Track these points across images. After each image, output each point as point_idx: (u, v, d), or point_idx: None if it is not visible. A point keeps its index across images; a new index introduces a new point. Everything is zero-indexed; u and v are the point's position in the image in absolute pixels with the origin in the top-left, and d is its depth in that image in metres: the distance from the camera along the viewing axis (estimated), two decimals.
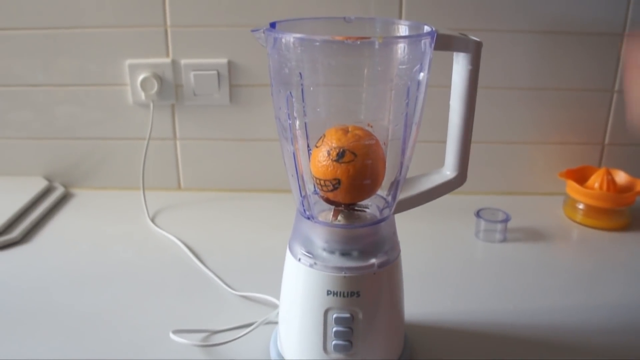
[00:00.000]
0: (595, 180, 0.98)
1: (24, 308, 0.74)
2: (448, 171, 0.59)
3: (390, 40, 0.52)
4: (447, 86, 0.58)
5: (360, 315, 0.56)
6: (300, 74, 0.52)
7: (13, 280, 0.80)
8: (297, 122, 0.53)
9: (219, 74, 1.01)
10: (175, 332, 0.67)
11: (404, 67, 0.52)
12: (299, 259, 0.58)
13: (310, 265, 0.56)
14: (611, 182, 0.96)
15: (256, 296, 0.75)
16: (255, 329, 0.68)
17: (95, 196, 1.08)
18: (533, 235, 0.94)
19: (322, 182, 0.55)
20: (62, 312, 0.73)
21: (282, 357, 0.62)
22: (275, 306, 0.72)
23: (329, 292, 0.56)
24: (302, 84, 0.52)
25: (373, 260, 0.56)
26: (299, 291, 0.58)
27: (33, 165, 1.09)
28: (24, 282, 0.80)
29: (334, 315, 0.56)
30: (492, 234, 0.93)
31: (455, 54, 0.55)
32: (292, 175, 0.57)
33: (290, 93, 0.52)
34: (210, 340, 0.67)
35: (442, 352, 0.67)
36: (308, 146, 0.56)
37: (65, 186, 1.09)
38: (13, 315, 0.72)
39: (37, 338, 0.68)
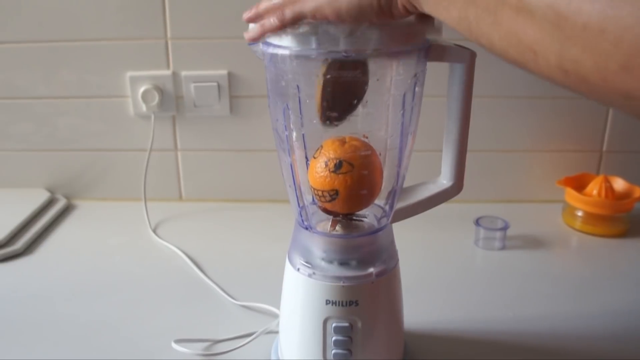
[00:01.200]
0: (594, 188, 0.98)
1: (27, 319, 0.74)
2: (444, 180, 0.60)
3: (385, 52, 0.53)
4: (443, 96, 0.58)
5: (360, 324, 0.57)
6: (297, 86, 0.53)
7: (16, 292, 0.81)
8: (294, 134, 0.54)
9: (219, 85, 1.02)
10: (177, 341, 0.67)
11: (399, 77, 0.53)
12: (298, 269, 0.58)
13: (309, 275, 0.57)
14: (609, 189, 0.97)
15: (257, 306, 0.76)
16: (257, 338, 0.68)
17: (97, 207, 1.09)
18: (532, 242, 0.95)
19: (320, 193, 0.56)
20: (65, 322, 0.74)
21: None
22: (275, 315, 0.73)
23: (327, 302, 0.56)
24: (299, 97, 0.53)
25: (371, 270, 0.57)
26: (299, 301, 0.58)
27: (35, 177, 1.10)
28: (28, 293, 0.80)
29: (333, 325, 0.57)
30: (491, 241, 0.93)
31: (450, 64, 0.56)
32: (290, 186, 0.58)
33: (287, 105, 0.53)
34: (212, 349, 0.68)
35: (443, 359, 0.67)
36: (306, 157, 0.57)
37: (67, 198, 1.10)
38: (17, 326, 0.73)
39: (40, 349, 0.68)
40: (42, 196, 1.06)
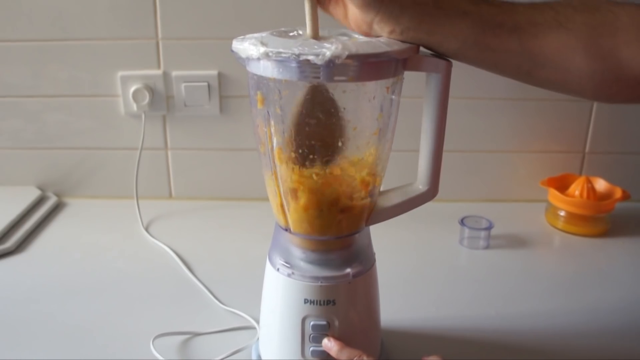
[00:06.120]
0: (576, 188, 1.00)
1: (19, 317, 0.75)
2: (420, 185, 0.61)
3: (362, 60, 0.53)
4: (420, 97, 0.58)
5: (336, 323, 0.58)
6: (278, 92, 0.53)
7: (8, 290, 0.81)
8: (275, 139, 0.54)
9: (209, 85, 1.03)
10: (158, 336, 0.68)
11: (376, 85, 0.54)
12: (278, 269, 0.60)
13: (289, 275, 0.58)
14: (591, 189, 0.99)
15: (244, 309, 0.76)
16: (238, 333, 0.70)
17: (88, 205, 1.09)
18: (516, 241, 0.97)
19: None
20: (57, 320, 0.74)
21: None
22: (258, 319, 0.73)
23: (306, 301, 0.58)
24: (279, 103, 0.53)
25: (348, 270, 0.58)
26: (279, 299, 0.60)
27: (26, 175, 1.10)
28: (19, 292, 0.81)
29: (311, 323, 0.58)
30: (475, 240, 0.95)
31: (426, 74, 0.56)
32: (271, 189, 0.59)
33: (268, 112, 0.54)
34: (192, 343, 0.69)
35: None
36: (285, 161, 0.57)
37: (58, 195, 1.10)
38: (8, 324, 0.73)
39: (33, 347, 0.69)
40: (33, 194, 1.06)
